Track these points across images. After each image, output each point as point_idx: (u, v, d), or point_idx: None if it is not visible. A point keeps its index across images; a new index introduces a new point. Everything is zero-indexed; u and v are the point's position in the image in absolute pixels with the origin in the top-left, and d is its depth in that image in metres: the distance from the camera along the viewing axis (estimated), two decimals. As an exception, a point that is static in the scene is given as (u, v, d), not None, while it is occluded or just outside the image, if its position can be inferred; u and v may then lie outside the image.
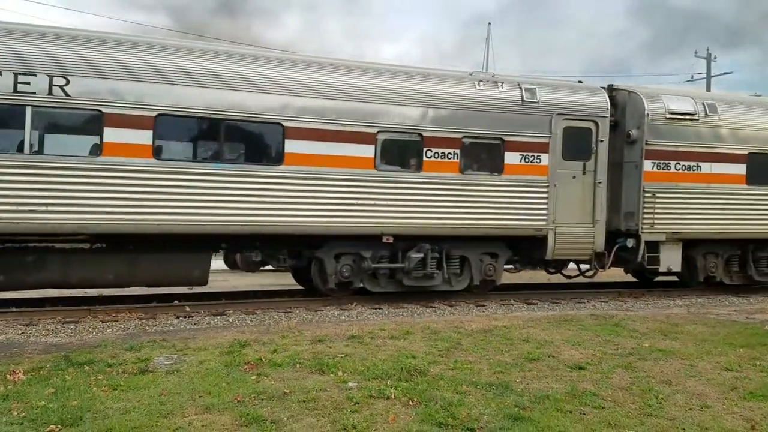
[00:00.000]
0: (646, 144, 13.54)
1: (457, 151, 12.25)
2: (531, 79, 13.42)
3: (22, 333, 9.20)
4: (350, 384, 6.49)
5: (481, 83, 12.58)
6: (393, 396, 6.12)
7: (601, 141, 13.27)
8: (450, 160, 12.21)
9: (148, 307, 11.24)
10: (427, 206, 12.05)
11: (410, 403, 5.98)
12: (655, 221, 13.55)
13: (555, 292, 14.29)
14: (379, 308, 11.78)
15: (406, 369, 6.99)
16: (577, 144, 13.11)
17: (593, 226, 13.19)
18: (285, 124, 11.22)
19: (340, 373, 6.85)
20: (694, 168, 13.94)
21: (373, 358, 7.46)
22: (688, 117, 13.90)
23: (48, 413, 5.51)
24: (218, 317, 10.70)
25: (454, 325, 9.54)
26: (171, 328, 9.80)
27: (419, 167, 12.09)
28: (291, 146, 11.25)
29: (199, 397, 6.04)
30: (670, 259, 13.88)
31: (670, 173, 13.76)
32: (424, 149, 12.06)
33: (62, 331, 9.43)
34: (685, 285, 14.99)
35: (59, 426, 5.28)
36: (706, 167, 14.05)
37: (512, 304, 12.69)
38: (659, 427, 5.69)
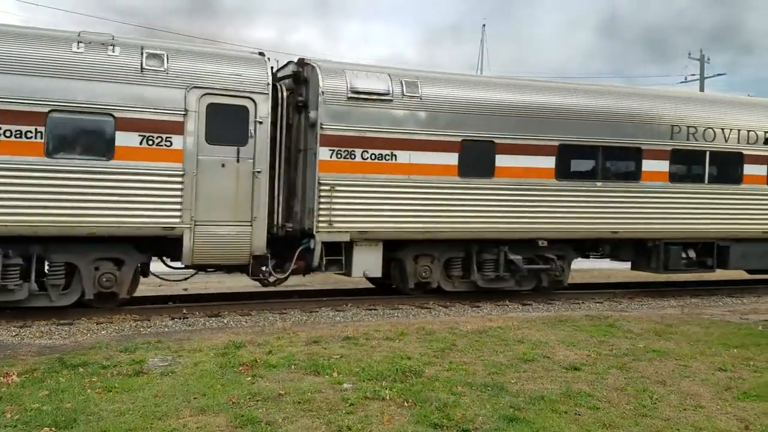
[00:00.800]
0: (322, 128, 11.19)
1: (42, 129, 9.72)
2: (164, 43, 11.06)
3: (16, 335, 9.17)
4: (345, 385, 6.49)
5: (83, 45, 10.04)
6: (388, 397, 6.13)
7: (261, 123, 10.84)
8: (29, 140, 9.68)
9: (143, 308, 11.21)
10: None
11: (405, 404, 5.99)
12: (335, 219, 11.31)
13: (550, 293, 14.29)
14: (374, 309, 11.77)
15: (401, 370, 7.00)
16: (227, 125, 10.74)
17: (250, 225, 10.82)
18: None
19: (335, 375, 6.85)
20: (388, 157, 11.61)
21: (368, 359, 7.46)
22: (378, 97, 11.51)
23: (42, 415, 5.50)
24: (213, 318, 10.68)
25: (449, 326, 9.54)
26: (166, 329, 9.78)
27: None
28: None
29: (194, 398, 6.03)
30: (367, 263, 11.78)
31: (355, 163, 11.42)
32: None
33: (56, 332, 9.39)
34: (400, 292, 12.87)
35: (53, 428, 5.26)
36: (405, 156, 11.72)
37: (507, 305, 12.69)
38: (654, 427, 5.71)
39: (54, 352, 7.85)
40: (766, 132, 14.55)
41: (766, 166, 14.48)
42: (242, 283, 15.69)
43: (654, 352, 8.33)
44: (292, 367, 7.14)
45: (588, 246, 13.89)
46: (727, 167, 14.30)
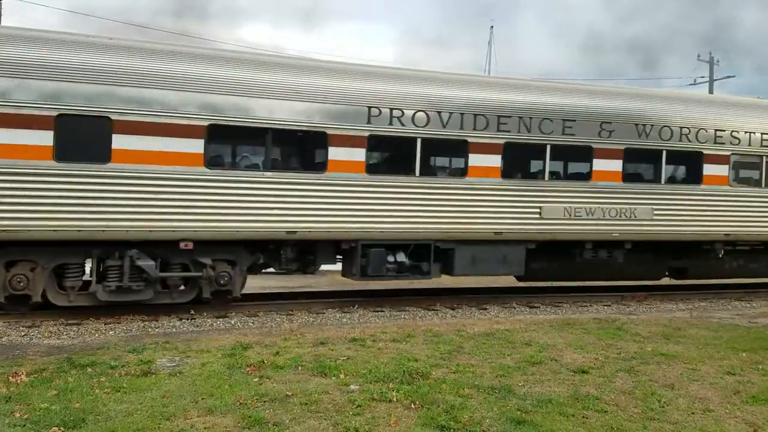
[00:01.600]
0: None
1: None
2: None
3: (25, 335, 9.22)
4: (352, 387, 6.50)
5: None
6: (395, 399, 6.13)
7: None
8: None
9: (151, 308, 11.25)
10: None
11: (412, 406, 5.98)
12: None
13: (557, 296, 14.27)
14: (381, 311, 11.78)
15: (408, 372, 7.00)
16: None
17: None
18: None
19: (342, 376, 6.85)
20: None
21: (375, 361, 7.46)
22: None
23: (50, 415, 5.53)
24: (221, 319, 10.71)
25: (456, 328, 9.54)
26: (173, 330, 9.82)
27: None
28: None
29: (202, 399, 6.05)
30: None
31: None
32: None
33: (65, 333, 9.44)
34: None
35: (62, 428, 5.29)
36: None
37: (514, 308, 12.68)
38: (662, 431, 5.69)
39: (62, 352, 7.89)
40: (499, 116, 11.89)
41: (499, 156, 11.98)
42: (249, 284, 15.74)
43: (662, 355, 8.30)
44: (299, 368, 7.15)
45: (270, 249, 11.41)
46: (446, 157, 12.33)
